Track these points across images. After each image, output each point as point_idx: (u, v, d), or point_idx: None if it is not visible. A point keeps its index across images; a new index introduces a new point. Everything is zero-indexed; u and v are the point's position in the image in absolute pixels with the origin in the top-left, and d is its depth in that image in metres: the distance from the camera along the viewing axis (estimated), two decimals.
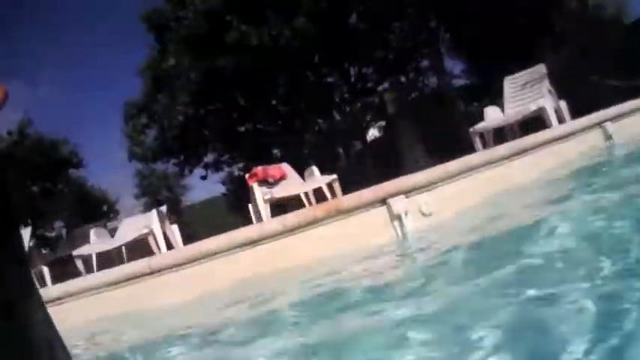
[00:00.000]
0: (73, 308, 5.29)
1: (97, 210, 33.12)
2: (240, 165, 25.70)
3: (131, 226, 10.78)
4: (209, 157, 25.75)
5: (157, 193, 45.05)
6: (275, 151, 25.59)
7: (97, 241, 10.57)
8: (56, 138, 31.19)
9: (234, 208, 26.08)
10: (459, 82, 23.27)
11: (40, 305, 1.65)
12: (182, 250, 6.91)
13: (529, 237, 4.27)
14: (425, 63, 22.87)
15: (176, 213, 34.85)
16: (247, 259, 5.27)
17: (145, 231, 9.90)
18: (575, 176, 6.25)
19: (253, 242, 5.25)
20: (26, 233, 11.63)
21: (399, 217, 5.34)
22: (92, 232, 10.92)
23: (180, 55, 19.81)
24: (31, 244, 13.56)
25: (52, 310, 1.74)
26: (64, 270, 11.38)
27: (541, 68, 10.29)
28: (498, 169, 6.23)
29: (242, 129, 25.28)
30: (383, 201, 5.43)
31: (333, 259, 5.14)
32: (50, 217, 30.41)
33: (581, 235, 3.95)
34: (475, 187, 5.90)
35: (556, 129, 7.99)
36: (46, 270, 10.93)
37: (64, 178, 31.58)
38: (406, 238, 5.39)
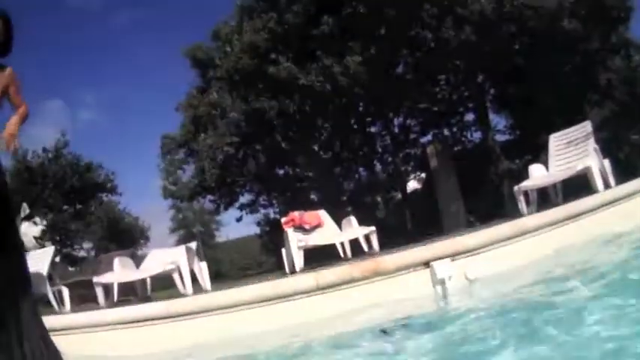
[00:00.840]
0: None
1: (128, 235, 32.89)
2: (277, 208, 25.28)
3: (158, 259, 10.40)
4: (245, 197, 25.33)
5: (191, 227, 45.16)
6: (313, 196, 25.22)
7: (120, 271, 10.10)
8: (92, 161, 31.39)
9: (268, 250, 25.73)
10: (502, 137, 22.70)
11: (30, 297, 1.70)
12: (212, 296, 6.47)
13: (579, 312, 3.84)
14: (469, 117, 22.48)
15: (209, 248, 34.64)
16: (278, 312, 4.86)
17: (171, 267, 9.46)
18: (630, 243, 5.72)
19: (285, 297, 4.84)
20: (49, 252, 11.23)
21: (442, 282, 4.86)
22: (116, 261, 10.42)
23: (222, 92, 19.57)
24: (56, 260, 13.47)
25: None
26: (85, 292, 11.03)
27: (587, 125, 9.72)
28: (550, 232, 5.71)
29: (281, 172, 25.02)
30: (426, 263, 4.96)
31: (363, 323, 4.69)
32: (79, 237, 30.35)
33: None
34: (525, 252, 5.39)
35: (609, 192, 7.47)
36: (65, 290, 10.36)
37: (96, 201, 31.55)
38: (448, 303, 4.90)
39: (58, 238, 29.09)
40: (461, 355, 3.68)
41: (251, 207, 25.25)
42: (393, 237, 19.79)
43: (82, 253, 31.08)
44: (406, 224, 22.39)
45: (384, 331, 4.47)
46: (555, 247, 5.50)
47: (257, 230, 27.12)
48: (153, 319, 5.06)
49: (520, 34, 16.71)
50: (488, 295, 4.88)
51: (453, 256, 4.92)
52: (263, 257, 27.81)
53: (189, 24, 49.66)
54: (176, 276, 9.36)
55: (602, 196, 7.07)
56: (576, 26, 15.16)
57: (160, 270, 9.80)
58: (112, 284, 9.83)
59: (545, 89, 17.79)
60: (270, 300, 4.83)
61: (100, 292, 9.46)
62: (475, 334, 4.09)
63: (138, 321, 5.06)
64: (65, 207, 30.55)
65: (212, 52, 21.05)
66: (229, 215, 24.23)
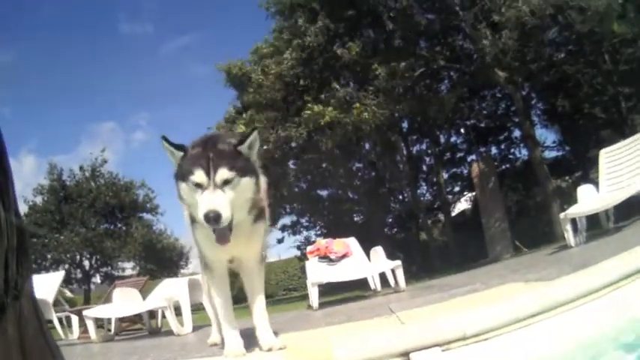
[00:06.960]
0: None
1: (166, 256, 31.59)
2: (319, 231, 23.49)
3: (158, 293, 8.71)
4: (287, 219, 23.59)
5: None
6: (356, 218, 23.52)
7: (118, 304, 8.39)
8: (131, 180, 30.52)
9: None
10: (551, 153, 20.48)
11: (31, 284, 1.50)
12: None
13: None
14: (516, 133, 20.40)
15: None
16: None
17: (163, 304, 7.71)
18: None
19: None
20: (57, 277, 10.50)
21: None
22: (115, 292, 8.94)
23: (252, 116, 17.87)
24: (97, 280, 11.95)
25: None
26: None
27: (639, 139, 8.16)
28: (601, 301, 3.57)
29: (323, 193, 23.25)
30: (404, 355, 2.96)
31: None
32: (115, 256, 29.19)
33: None
34: (559, 335, 3.28)
35: None
36: (74, 318, 9.53)
37: (135, 221, 30.35)
38: None
39: (88, 255, 28.38)
40: None
41: (293, 228, 23.62)
42: (435, 262, 18.10)
43: (129, 272, 30.21)
44: (449, 248, 20.49)
45: None
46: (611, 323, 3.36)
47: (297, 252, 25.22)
48: None
49: (565, 41, 14.93)
50: None
51: (446, 344, 2.91)
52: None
53: (235, 44, 49.66)
54: (168, 314, 7.55)
55: None
56: (626, 30, 13.16)
57: (151, 307, 8.22)
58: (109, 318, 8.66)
59: (593, 100, 15.88)
60: None
61: (90, 325, 7.87)
62: None
63: None
64: (102, 227, 29.65)
65: (249, 70, 19.35)
66: (273, 235, 22.50)
